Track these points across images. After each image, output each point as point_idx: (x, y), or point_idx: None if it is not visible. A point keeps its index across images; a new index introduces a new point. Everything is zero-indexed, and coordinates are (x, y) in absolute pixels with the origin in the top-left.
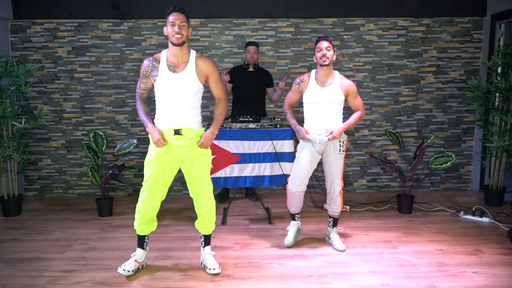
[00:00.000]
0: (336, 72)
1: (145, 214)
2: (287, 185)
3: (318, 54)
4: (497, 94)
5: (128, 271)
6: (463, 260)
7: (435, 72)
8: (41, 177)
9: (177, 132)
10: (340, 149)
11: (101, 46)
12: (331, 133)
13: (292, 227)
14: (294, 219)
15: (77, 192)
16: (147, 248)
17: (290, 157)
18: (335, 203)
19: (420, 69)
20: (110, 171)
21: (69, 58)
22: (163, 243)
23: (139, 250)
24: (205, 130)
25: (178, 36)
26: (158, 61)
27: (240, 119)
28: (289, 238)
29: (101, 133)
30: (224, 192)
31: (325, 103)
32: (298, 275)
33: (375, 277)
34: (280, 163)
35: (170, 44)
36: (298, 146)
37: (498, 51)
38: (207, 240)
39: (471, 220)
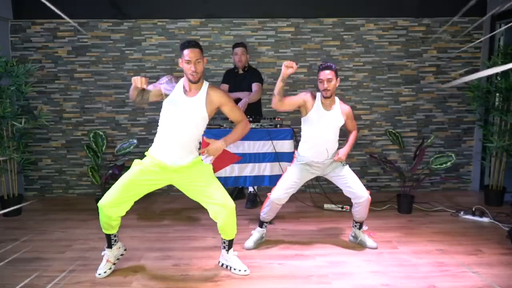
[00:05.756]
0: (336, 98)
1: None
2: (268, 193)
3: (320, 86)
4: (497, 94)
5: (105, 272)
6: (463, 260)
7: (435, 72)
8: (41, 177)
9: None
10: (343, 164)
11: (101, 46)
12: (338, 154)
13: (257, 232)
14: (261, 227)
15: (77, 192)
16: (116, 246)
17: (290, 157)
18: (365, 212)
19: (420, 69)
20: (110, 171)
21: (69, 58)
22: (163, 243)
23: (107, 249)
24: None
25: (194, 74)
26: (177, 81)
27: None
28: (250, 242)
29: (101, 133)
30: (232, 192)
31: (329, 125)
32: (298, 275)
33: (375, 277)
34: (280, 163)
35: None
36: (292, 165)
37: (498, 51)
38: (230, 244)
39: (471, 220)
